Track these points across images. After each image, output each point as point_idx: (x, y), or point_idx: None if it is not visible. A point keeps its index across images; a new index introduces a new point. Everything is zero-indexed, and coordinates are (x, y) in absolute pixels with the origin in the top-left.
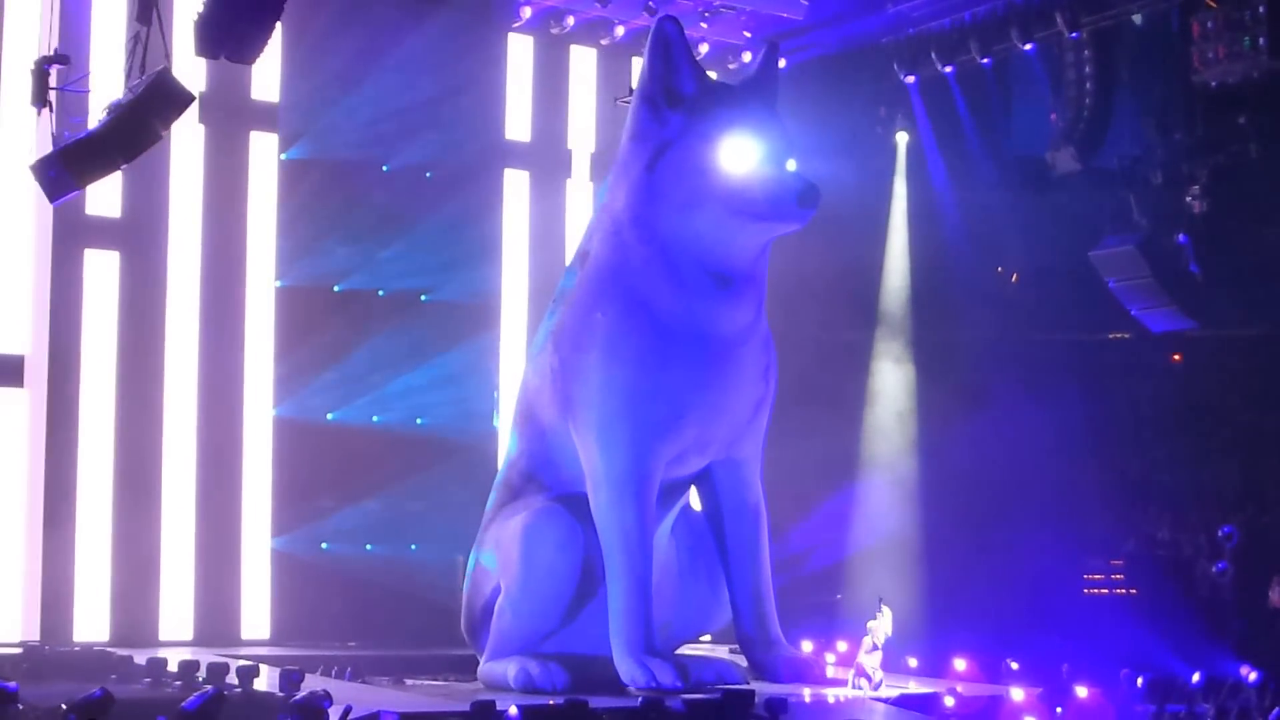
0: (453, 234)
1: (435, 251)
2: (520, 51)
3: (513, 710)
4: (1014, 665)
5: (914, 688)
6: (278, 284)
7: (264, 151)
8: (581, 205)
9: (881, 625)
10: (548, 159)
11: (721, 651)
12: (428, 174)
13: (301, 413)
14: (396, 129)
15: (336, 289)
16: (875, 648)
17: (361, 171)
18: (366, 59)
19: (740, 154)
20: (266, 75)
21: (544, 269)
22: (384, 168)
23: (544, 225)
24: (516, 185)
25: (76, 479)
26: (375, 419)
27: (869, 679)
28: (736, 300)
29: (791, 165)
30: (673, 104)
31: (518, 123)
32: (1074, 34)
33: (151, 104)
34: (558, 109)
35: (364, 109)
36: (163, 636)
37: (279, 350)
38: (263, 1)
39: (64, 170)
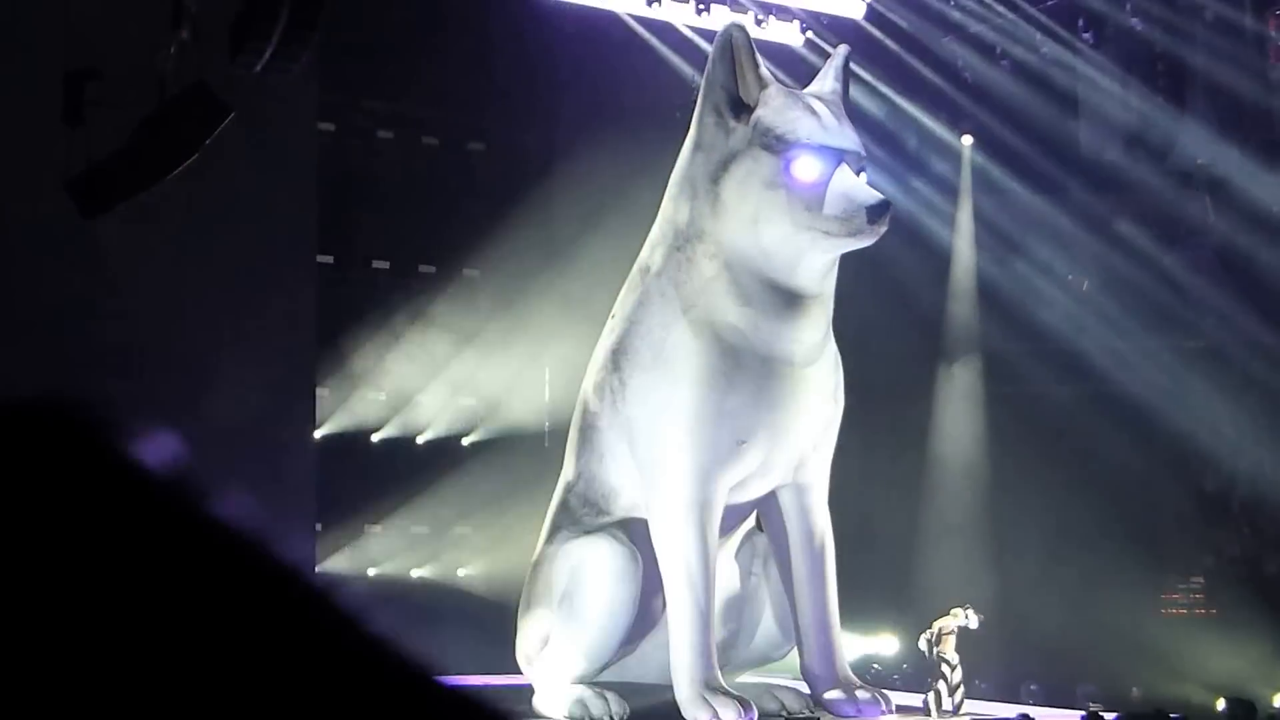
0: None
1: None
2: None
3: None
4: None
5: (984, 712)
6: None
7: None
8: None
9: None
10: None
11: (785, 680)
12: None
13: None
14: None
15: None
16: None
17: None
18: None
19: (809, 166)
20: None
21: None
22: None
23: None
24: None
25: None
26: (420, 439)
27: (947, 680)
28: (804, 318)
29: (863, 177)
30: (739, 114)
31: None
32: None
33: (188, 118)
34: None
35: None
36: None
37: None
38: (300, 9)
39: (99, 187)
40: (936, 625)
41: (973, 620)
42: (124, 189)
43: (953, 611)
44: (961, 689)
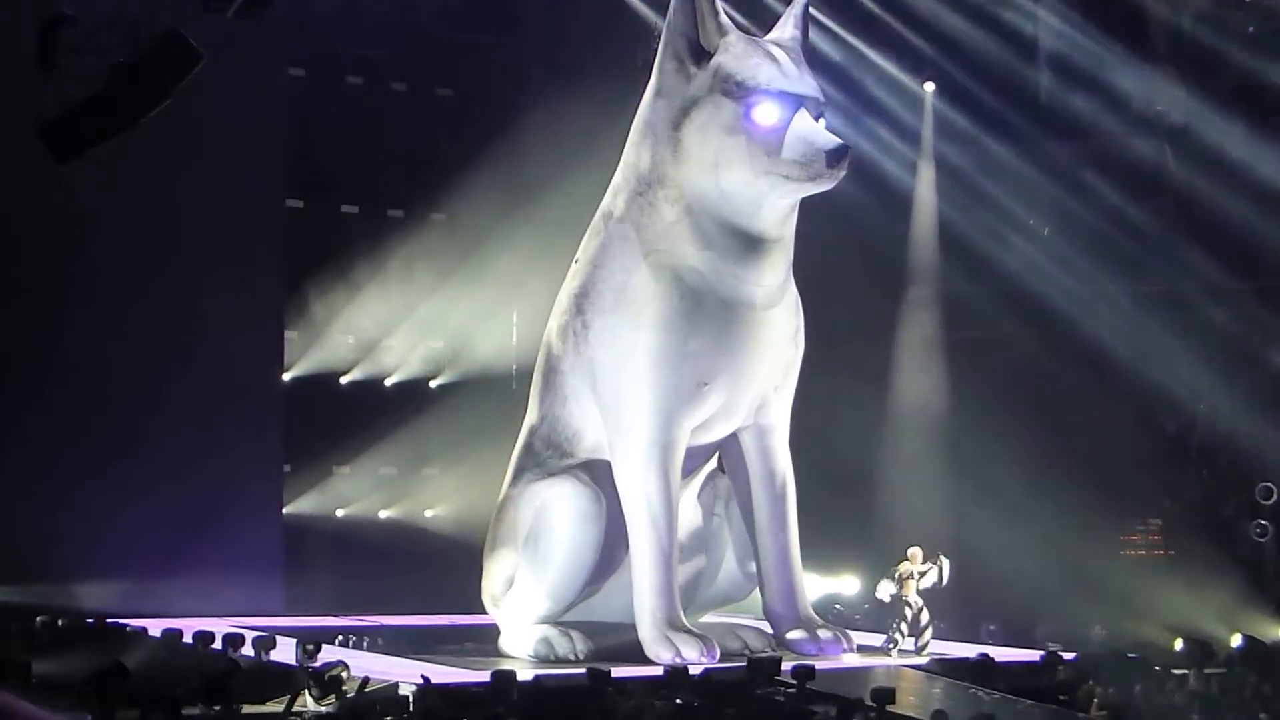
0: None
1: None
2: None
3: None
4: None
5: (945, 652)
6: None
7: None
8: None
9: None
10: None
11: (747, 620)
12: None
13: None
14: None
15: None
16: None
17: None
18: None
19: (769, 112)
20: None
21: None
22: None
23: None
24: None
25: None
26: (388, 382)
27: (908, 621)
28: (765, 261)
29: (821, 123)
30: (699, 60)
31: None
32: None
33: (161, 64)
34: None
35: None
36: (175, 608)
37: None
38: None
39: (73, 132)
40: (897, 571)
41: (946, 570)
42: (97, 134)
43: (910, 554)
44: (929, 630)
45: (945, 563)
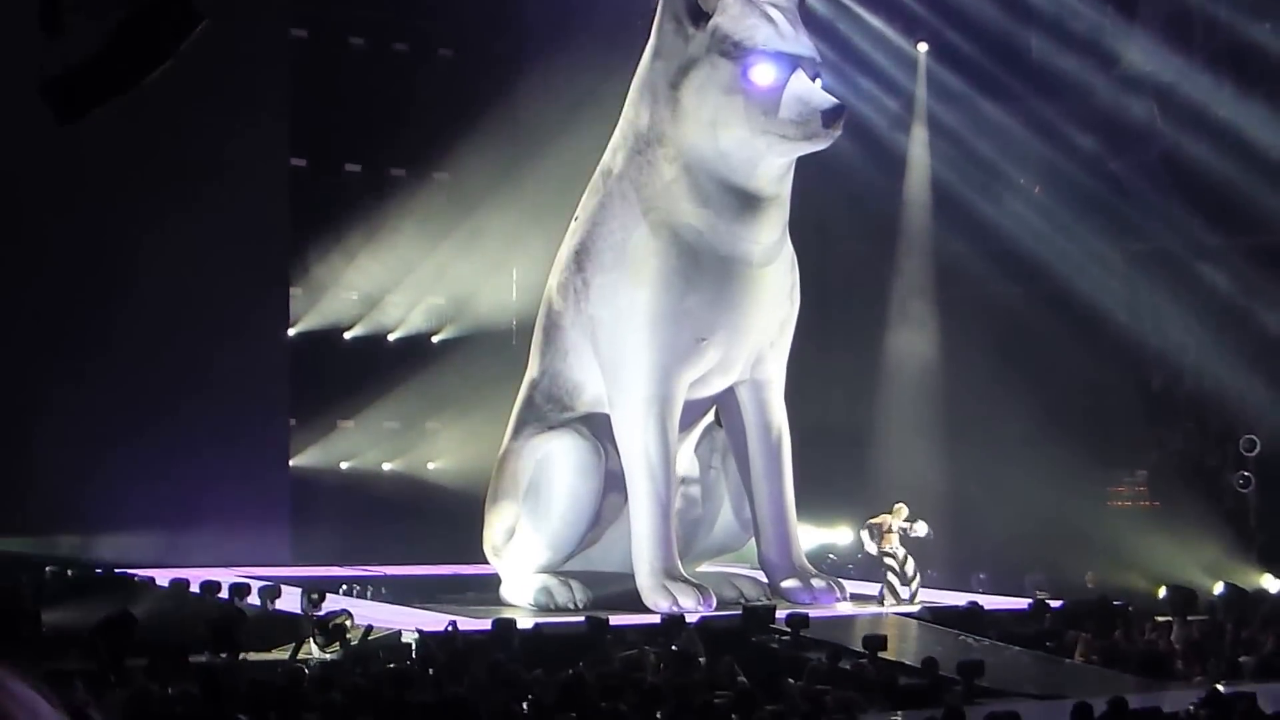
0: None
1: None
2: None
3: None
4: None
5: (935, 600)
6: None
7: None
8: None
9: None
10: None
11: (743, 569)
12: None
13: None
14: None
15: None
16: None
17: None
18: None
19: (766, 72)
20: None
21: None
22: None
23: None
24: None
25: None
26: (390, 338)
27: (896, 572)
28: (762, 219)
29: (817, 83)
30: (697, 21)
31: None
32: None
33: (162, 24)
34: None
35: None
36: (183, 559)
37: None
38: None
39: (74, 93)
40: (876, 521)
41: (920, 529)
42: (98, 95)
43: (895, 508)
44: (918, 579)
45: (920, 523)
